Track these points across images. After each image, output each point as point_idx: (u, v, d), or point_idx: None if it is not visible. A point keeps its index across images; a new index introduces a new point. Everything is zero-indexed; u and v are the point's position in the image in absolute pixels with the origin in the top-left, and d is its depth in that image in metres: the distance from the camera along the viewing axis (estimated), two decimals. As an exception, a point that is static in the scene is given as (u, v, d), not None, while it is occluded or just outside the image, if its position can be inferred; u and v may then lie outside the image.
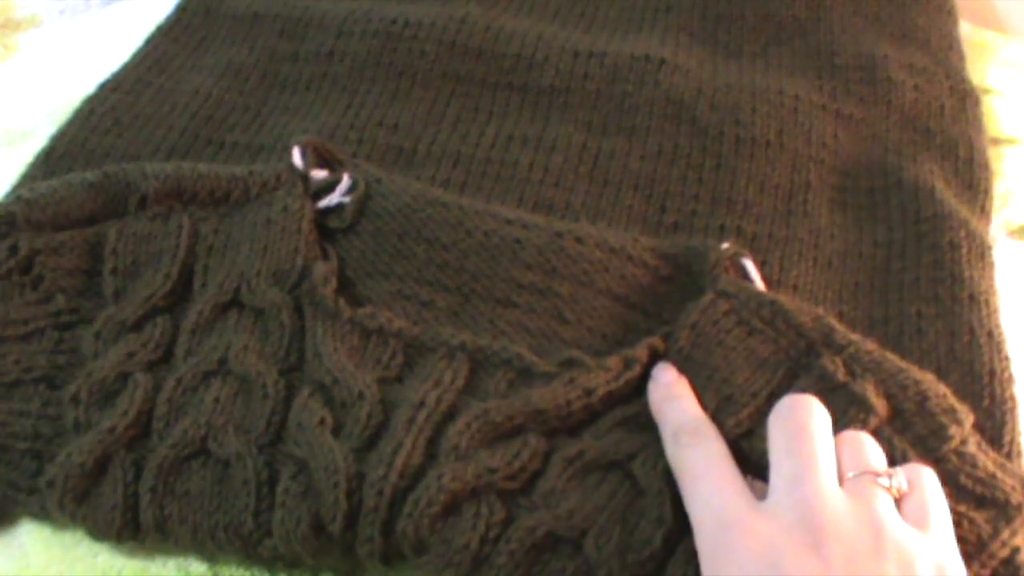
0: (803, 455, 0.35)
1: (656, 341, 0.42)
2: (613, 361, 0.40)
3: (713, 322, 0.41)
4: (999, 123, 0.61)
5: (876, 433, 0.38)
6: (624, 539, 0.36)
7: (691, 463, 0.37)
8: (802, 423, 0.36)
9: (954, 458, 0.38)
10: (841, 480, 0.35)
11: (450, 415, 0.39)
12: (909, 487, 0.35)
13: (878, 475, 0.35)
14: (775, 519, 0.33)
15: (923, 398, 0.39)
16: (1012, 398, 0.43)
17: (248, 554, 0.38)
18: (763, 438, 0.37)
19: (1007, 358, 0.45)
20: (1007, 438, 0.42)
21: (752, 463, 0.38)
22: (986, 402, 0.43)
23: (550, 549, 0.36)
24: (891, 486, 0.35)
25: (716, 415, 0.39)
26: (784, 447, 0.36)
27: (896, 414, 0.39)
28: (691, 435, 0.38)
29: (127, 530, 0.38)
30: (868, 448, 0.36)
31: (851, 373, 0.39)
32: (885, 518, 0.33)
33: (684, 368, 0.41)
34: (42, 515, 0.40)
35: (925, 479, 0.36)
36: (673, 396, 0.40)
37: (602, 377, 0.40)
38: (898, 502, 0.35)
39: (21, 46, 0.67)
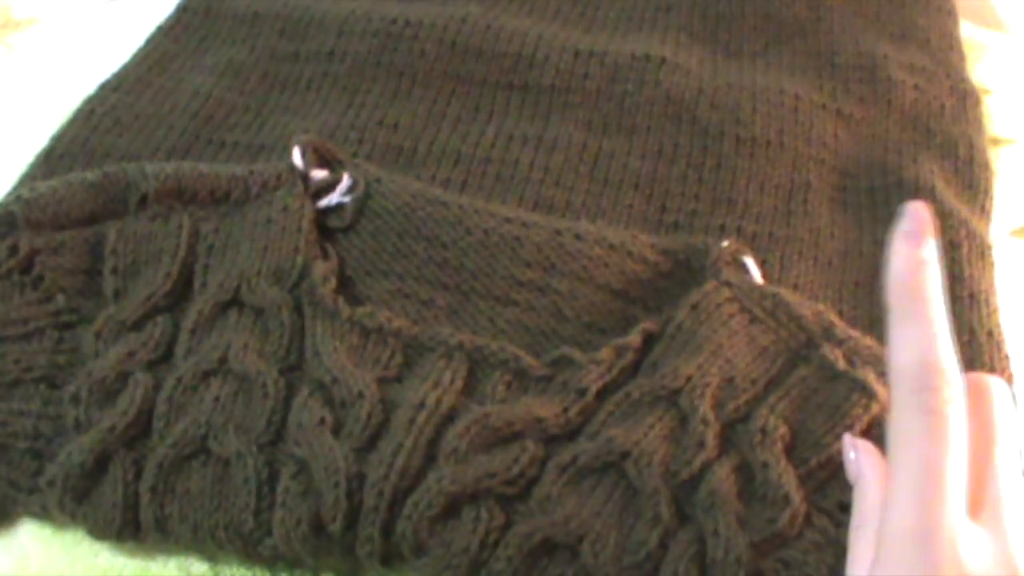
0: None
1: (650, 324, 0.42)
2: (605, 353, 0.41)
3: (716, 305, 0.41)
4: (999, 123, 0.61)
5: (877, 421, 0.38)
6: (620, 542, 0.36)
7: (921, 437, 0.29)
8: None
9: None
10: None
11: (450, 417, 0.39)
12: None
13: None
14: None
15: None
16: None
17: (248, 553, 0.38)
18: (754, 427, 0.37)
19: (1007, 357, 0.45)
20: (1007, 437, 0.42)
21: (743, 447, 0.38)
22: (986, 401, 0.43)
23: (547, 555, 0.36)
24: None
25: (718, 394, 0.39)
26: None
27: None
28: (934, 393, 0.29)
29: (127, 529, 0.38)
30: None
31: (851, 363, 0.40)
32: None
33: (686, 342, 0.40)
34: (42, 515, 0.40)
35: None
36: (917, 297, 0.32)
37: (594, 373, 0.40)
38: None
39: (21, 46, 0.67)
